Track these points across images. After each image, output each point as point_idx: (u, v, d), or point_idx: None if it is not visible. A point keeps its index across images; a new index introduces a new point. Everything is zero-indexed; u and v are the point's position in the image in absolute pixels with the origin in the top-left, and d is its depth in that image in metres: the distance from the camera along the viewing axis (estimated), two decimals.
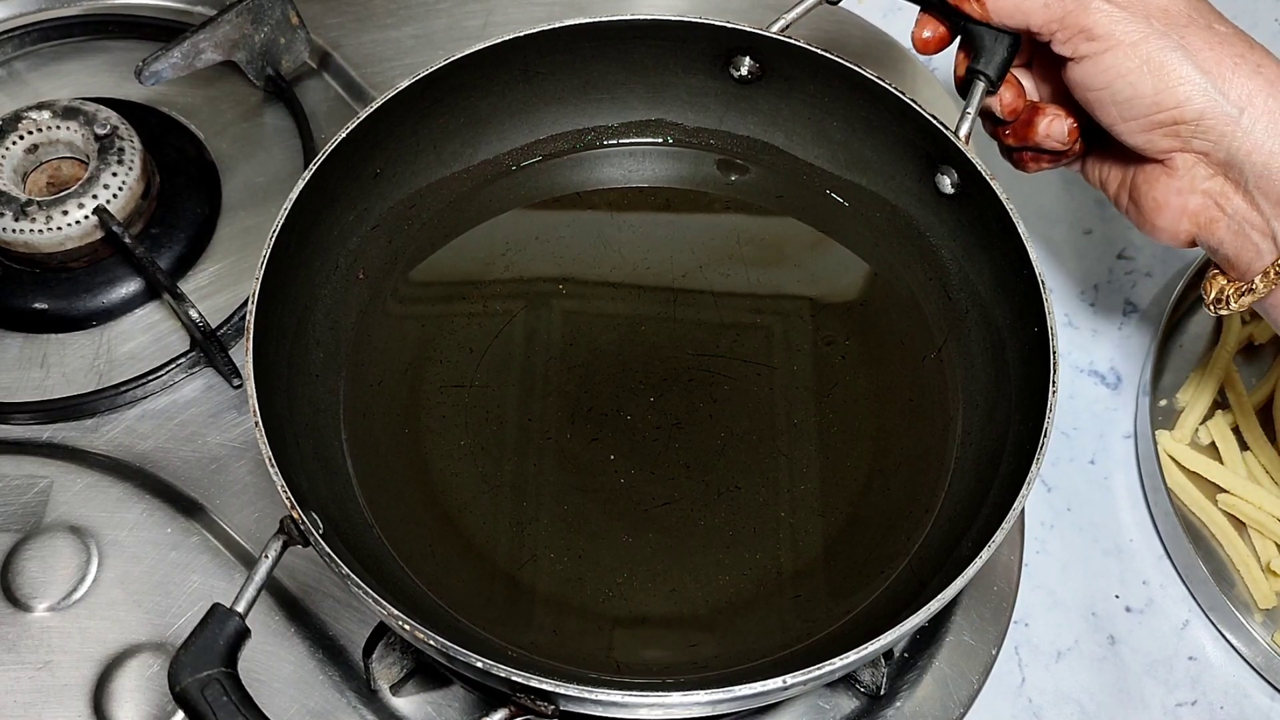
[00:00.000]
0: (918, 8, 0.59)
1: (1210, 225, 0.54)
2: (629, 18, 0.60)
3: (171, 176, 0.70)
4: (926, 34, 0.59)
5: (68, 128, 0.67)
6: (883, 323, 0.61)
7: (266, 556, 0.46)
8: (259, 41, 0.72)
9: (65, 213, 0.64)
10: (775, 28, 0.60)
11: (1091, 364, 0.71)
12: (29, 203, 0.64)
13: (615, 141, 0.66)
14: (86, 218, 0.65)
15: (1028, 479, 0.48)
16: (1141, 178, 0.56)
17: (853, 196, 0.64)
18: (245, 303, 0.65)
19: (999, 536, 0.47)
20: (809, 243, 0.64)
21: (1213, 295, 0.55)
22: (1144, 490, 0.66)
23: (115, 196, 0.65)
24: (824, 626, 0.53)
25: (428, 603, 0.53)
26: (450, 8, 0.78)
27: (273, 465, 0.47)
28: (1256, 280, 0.53)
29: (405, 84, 0.58)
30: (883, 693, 0.56)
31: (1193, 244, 0.56)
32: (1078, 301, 0.73)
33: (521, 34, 0.60)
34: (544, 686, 0.44)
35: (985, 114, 0.59)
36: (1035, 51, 0.59)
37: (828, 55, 0.59)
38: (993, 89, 0.57)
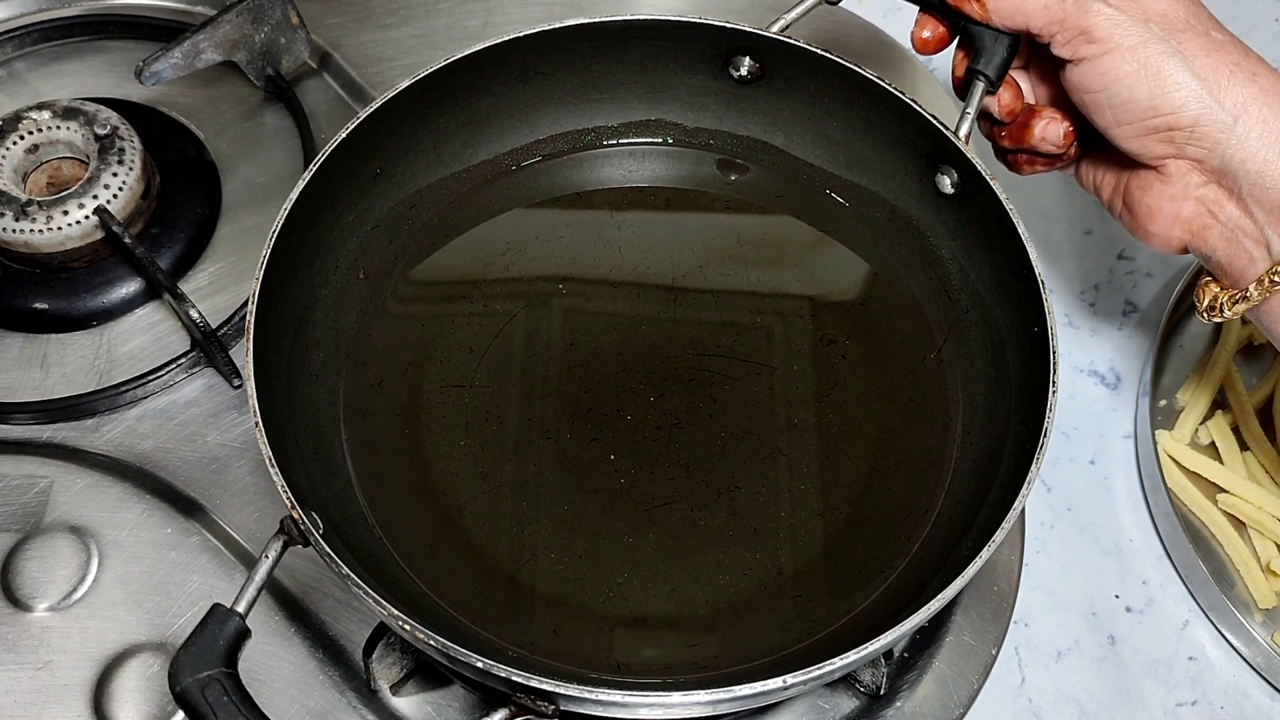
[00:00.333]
0: (917, 8, 0.59)
1: (1203, 232, 0.54)
2: (629, 18, 0.60)
3: (171, 176, 0.70)
4: (926, 34, 0.59)
5: (68, 128, 0.67)
6: (883, 323, 0.61)
7: (266, 556, 0.46)
8: (259, 41, 0.72)
9: (65, 213, 0.64)
10: (775, 28, 0.60)
11: (1091, 364, 0.71)
12: (29, 203, 0.64)
13: (615, 141, 0.66)
14: (87, 218, 0.65)
15: (1028, 479, 0.48)
16: (1135, 183, 0.56)
17: (853, 196, 0.64)
18: (245, 303, 0.65)
19: (999, 536, 0.47)
20: (809, 243, 0.64)
21: (1206, 303, 0.55)
22: (1144, 490, 0.66)
23: (115, 196, 0.65)
24: (824, 626, 0.53)
25: (428, 603, 0.53)
26: (450, 8, 0.78)
27: (273, 465, 0.47)
28: (1250, 288, 0.53)
29: (405, 84, 0.58)
30: (883, 693, 0.56)
31: (1185, 251, 0.56)
32: (1078, 301, 0.73)
33: (521, 34, 0.60)
34: (544, 686, 0.44)
35: (982, 115, 0.59)
36: (1033, 54, 0.59)
37: (828, 55, 0.59)
38: (992, 89, 0.57)
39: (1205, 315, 0.55)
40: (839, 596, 0.54)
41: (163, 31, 0.75)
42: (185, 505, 0.60)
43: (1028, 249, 0.54)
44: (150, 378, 0.63)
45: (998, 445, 0.55)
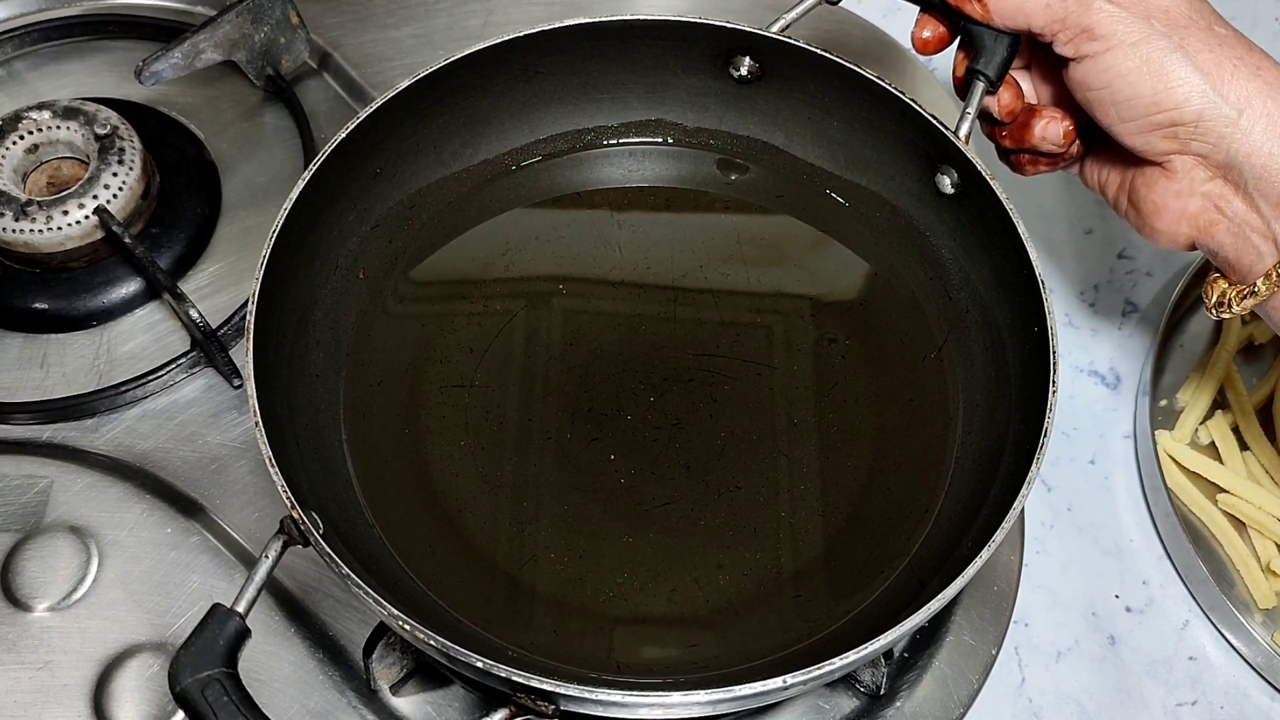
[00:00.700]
0: (917, 8, 0.59)
1: (1210, 228, 0.54)
2: (629, 18, 0.60)
3: (171, 176, 0.70)
4: (926, 34, 0.59)
5: (68, 128, 0.67)
6: (883, 322, 0.61)
7: (266, 556, 0.46)
8: (259, 41, 0.72)
9: (65, 213, 0.64)
10: (775, 28, 0.60)
11: (1091, 364, 0.71)
12: (29, 203, 0.64)
13: (615, 141, 0.66)
14: (87, 218, 0.65)
15: (1028, 479, 0.48)
16: (1140, 180, 0.56)
17: (853, 196, 0.64)
18: (245, 303, 0.65)
19: (999, 536, 0.47)
20: (809, 242, 0.64)
21: (1214, 299, 0.55)
22: (1144, 490, 0.66)
23: (115, 196, 0.65)
24: (824, 626, 0.53)
25: (428, 603, 0.53)
26: (450, 8, 0.78)
27: (273, 465, 0.47)
28: (1258, 283, 0.53)
29: (405, 84, 0.58)
30: (883, 693, 0.56)
31: (1192, 247, 0.56)
32: (1078, 301, 0.73)
33: (521, 34, 0.60)
34: (544, 686, 0.44)
35: (983, 115, 0.59)
36: (1035, 54, 0.59)
37: (828, 55, 0.59)
38: (992, 89, 0.57)
39: (1213, 311, 0.55)
40: (839, 596, 0.54)
41: (163, 31, 0.75)
42: (185, 505, 0.60)
43: (1028, 249, 0.54)
44: (150, 378, 0.63)
45: (998, 445, 0.55)
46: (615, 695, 0.44)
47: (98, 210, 0.65)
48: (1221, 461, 0.66)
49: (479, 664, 0.44)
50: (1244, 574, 0.63)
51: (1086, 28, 0.53)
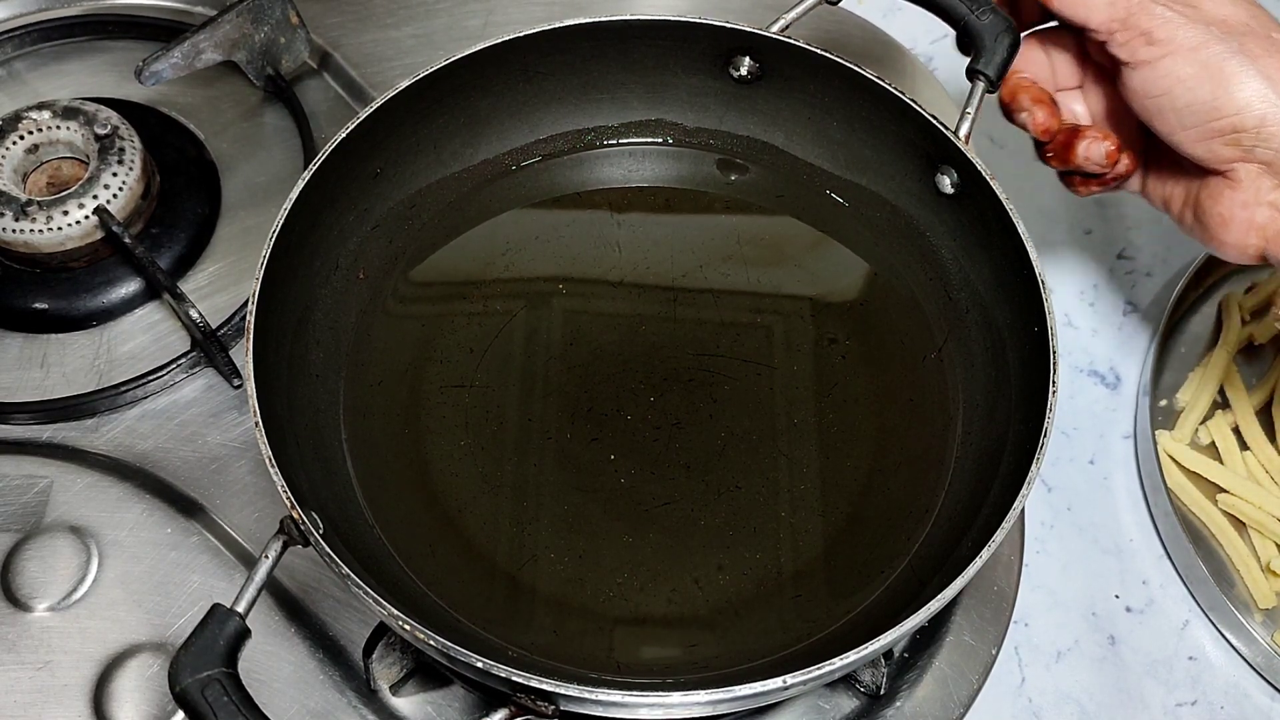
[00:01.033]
0: (918, 8, 0.59)
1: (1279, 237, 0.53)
2: (629, 18, 0.60)
3: (171, 176, 0.70)
4: (1041, 118, 0.57)
5: (68, 128, 0.67)
6: (883, 323, 0.61)
7: (266, 556, 0.46)
8: (259, 41, 0.72)
9: (65, 213, 0.64)
10: (775, 28, 0.60)
11: (1091, 364, 0.71)
12: (29, 203, 0.64)
13: (615, 141, 0.66)
14: (86, 218, 0.65)
15: (1028, 479, 0.48)
16: (1205, 193, 0.55)
17: (853, 196, 0.64)
18: (245, 303, 0.65)
19: (999, 536, 0.47)
20: (809, 243, 0.64)
21: None
22: (1144, 490, 0.66)
23: (115, 196, 0.65)
24: (824, 626, 0.53)
25: (428, 603, 0.53)
26: (450, 8, 0.78)
27: (273, 465, 0.47)
28: None
29: (405, 84, 0.58)
30: (883, 693, 0.56)
31: (1263, 259, 0.54)
32: (1078, 301, 0.73)
33: (521, 34, 0.60)
34: (544, 686, 0.44)
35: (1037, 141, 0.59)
36: (1088, 71, 0.59)
37: (828, 55, 0.59)
38: (992, 89, 0.57)
39: None
40: (839, 596, 0.54)
41: (163, 31, 0.75)
42: (185, 505, 0.60)
43: (1028, 249, 0.54)
44: (150, 378, 0.63)
45: (998, 445, 0.55)
46: (615, 695, 0.44)
47: (98, 210, 0.65)
48: (1221, 461, 0.66)
49: (479, 664, 0.44)
50: (1244, 574, 0.63)
51: (1145, 31, 0.52)
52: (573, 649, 0.52)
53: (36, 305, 0.66)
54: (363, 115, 0.57)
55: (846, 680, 0.57)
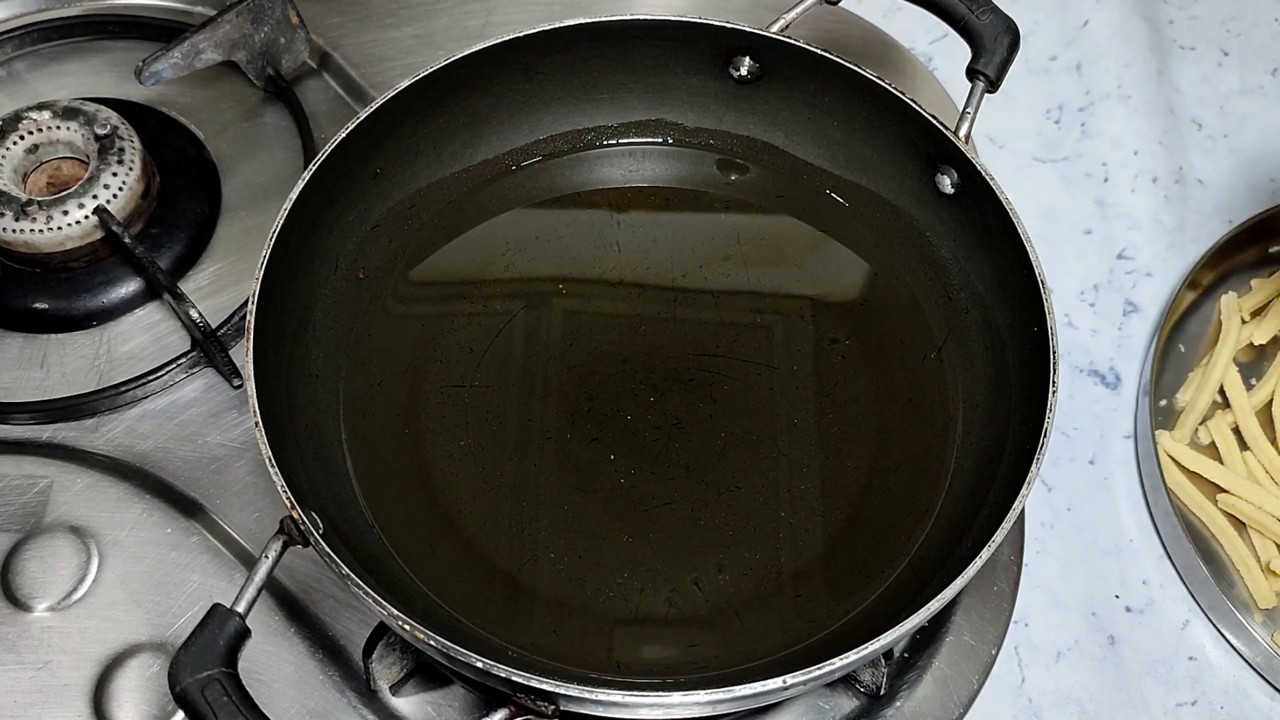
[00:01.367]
0: (918, 8, 0.59)
1: None
2: (629, 18, 0.60)
3: (171, 176, 0.70)
4: None
5: (68, 128, 0.67)
6: (883, 323, 0.61)
7: (266, 556, 0.46)
8: (259, 41, 0.72)
9: (65, 213, 0.64)
10: (775, 28, 0.60)
11: (1091, 364, 0.71)
12: (29, 203, 0.64)
13: (615, 141, 0.66)
14: (86, 218, 0.65)
15: (1028, 479, 0.48)
16: None
17: (853, 196, 0.64)
18: (245, 303, 0.65)
19: (999, 536, 0.47)
20: (809, 243, 0.64)
21: None
22: (1144, 490, 0.66)
23: (115, 196, 0.65)
24: (824, 626, 0.53)
25: (428, 603, 0.53)
26: (450, 8, 0.78)
27: (273, 465, 0.47)
28: None
29: (405, 84, 0.58)
30: (883, 693, 0.56)
31: None
32: (1078, 301, 0.73)
33: (521, 34, 0.60)
34: (544, 686, 0.44)
35: None
36: None
37: (828, 55, 0.59)
38: (992, 88, 0.57)
39: None
40: (839, 596, 0.54)
41: (163, 31, 0.75)
42: (185, 505, 0.60)
43: (1028, 249, 0.54)
44: (150, 378, 0.63)
45: (998, 445, 0.55)
46: (615, 695, 0.44)
47: (98, 210, 0.65)
48: (1221, 461, 0.66)
49: (479, 664, 0.44)
50: (1244, 574, 0.63)
51: None
52: (573, 649, 0.52)
53: (36, 305, 0.66)
54: (363, 115, 0.57)
55: (846, 680, 0.57)
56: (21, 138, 0.66)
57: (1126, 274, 0.73)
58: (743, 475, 0.57)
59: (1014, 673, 0.61)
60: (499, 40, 0.59)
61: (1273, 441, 0.66)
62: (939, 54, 0.80)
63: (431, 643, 0.45)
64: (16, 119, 0.67)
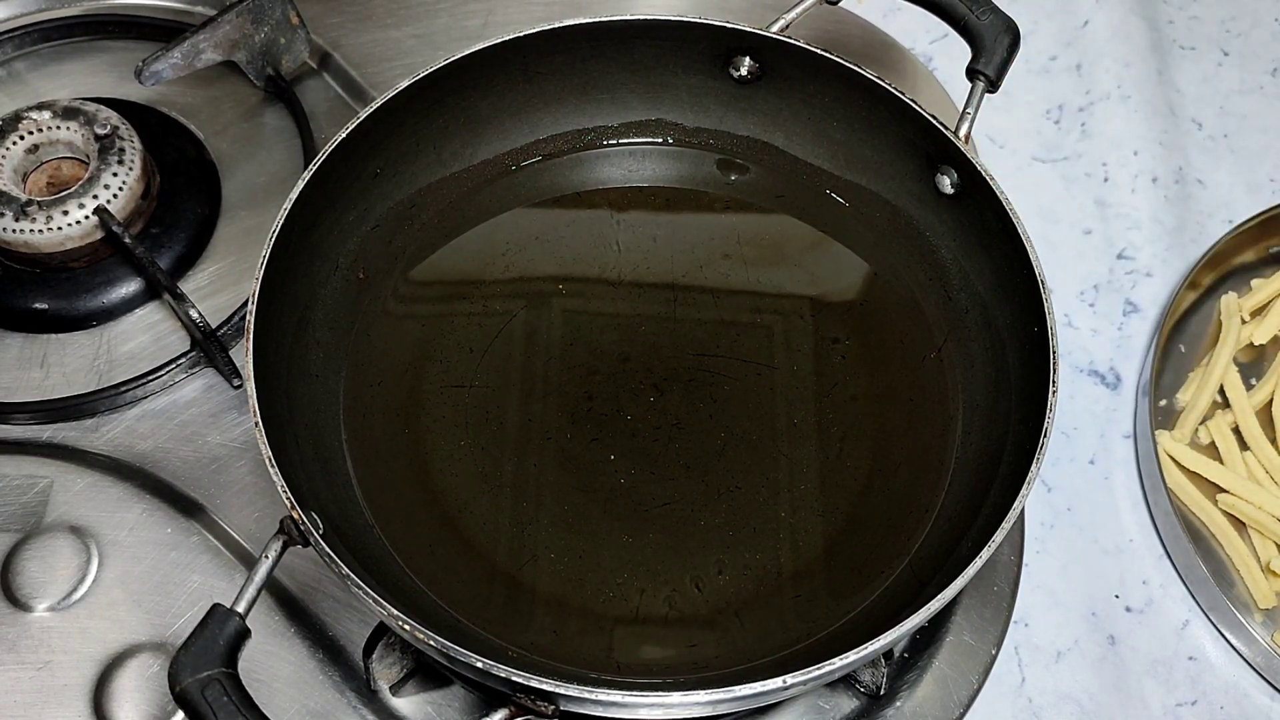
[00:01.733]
0: (918, 8, 0.59)
1: None
2: (629, 18, 0.60)
3: (171, 176, 0.70)
4: None
5: (68, 128, 0.67)
6: (883, 323, 0.61)
7: (266, 557, 0.46)
8: (259, 41, 0.72)
9: (65, 213, 0.64)
10: (775, 28, 0.60)
11: (1091, 364, 0.71)
12: (29, 203, 0.64)
13: (615, 141, 0.66)
14: (87, 218, 0.65)
15: (1028, 479, 0.48)
16: None
17: (853, 196, 0.64)
18: (245, 303, 0.65)
19: (999, 536, 0.47)
20: (809, 243, 0.64)
21: None
22: (1144, 490, 0.66)
23: (115, 196, 0.65)
24: (824, 626, 0.53)
25: (428, 603, 0.53)
26: (450, 8, 0.78)
27: (273, 465, 0.47)
28: None
29: (405, 84, 0.58)
30: (883, 693, 0.56)
31: None
32: (1078, 301, 0.73)
33: (521, 34, 0.60)
34: (544, 686, 0.44)
35: None
36: None
37: (828, 55, 0.59)
38: (992, 88, 0.57)
39: None
40: (839, 596, 0.54)
41: (163, 31, 0.75)
42: (185, 505, 0.60)
43: (1028, 249, 0.54)
44: (150, 378, 0.63)
45: (998, 445, 0.55)
46: (615, 695, 0.44)
47: (98, 210, 0.65)
48: (1221, 461, 0.66)
49: (479, 664, 0.44)
50: (1244, 574, 0.63)
51: None
52: (572, 649, 0.52)
53: (36, 305, 0.66)
54: (363, 115, 0.57)
55: (846, 680, 0.57)
56: (21, 138, 0.66)
57: (1126, 274, 0.73)
58: (743, 475, 0.57)
59: (1014, 672, 0.61)
60: (499, 40, 0.59)
61: (1273, 441, 0.66)
62: (939, 54, 0.80)
63: (431, 643, 0.45)
64: (16, 119, 0.67)
